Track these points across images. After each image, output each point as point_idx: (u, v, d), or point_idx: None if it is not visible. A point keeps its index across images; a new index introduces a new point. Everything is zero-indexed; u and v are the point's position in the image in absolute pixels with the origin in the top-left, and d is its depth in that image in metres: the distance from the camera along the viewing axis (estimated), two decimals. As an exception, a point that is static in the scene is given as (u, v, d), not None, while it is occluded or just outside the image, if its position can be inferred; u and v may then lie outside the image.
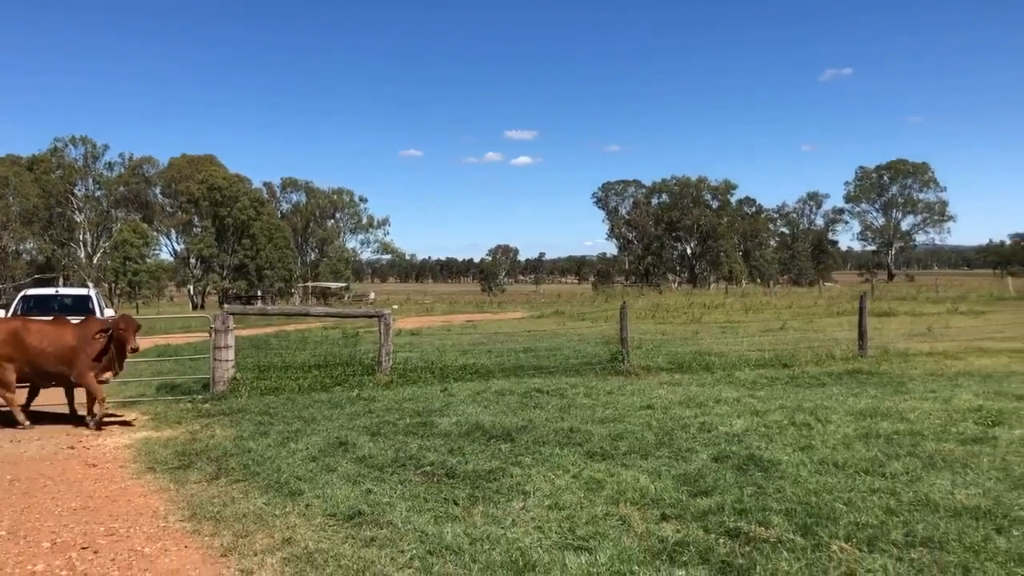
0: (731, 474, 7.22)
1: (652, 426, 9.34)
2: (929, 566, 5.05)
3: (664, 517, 6.10)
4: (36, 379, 10.83)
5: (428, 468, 7.72)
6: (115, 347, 10.51)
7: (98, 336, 10.48)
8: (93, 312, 18.86)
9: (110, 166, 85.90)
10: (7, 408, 10.80)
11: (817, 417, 9.55)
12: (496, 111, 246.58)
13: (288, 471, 7.75)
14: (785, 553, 5.28)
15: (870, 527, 5.71)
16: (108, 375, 10.65)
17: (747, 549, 5.37)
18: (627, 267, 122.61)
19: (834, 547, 5.34)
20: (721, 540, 5.55)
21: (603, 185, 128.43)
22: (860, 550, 5.30)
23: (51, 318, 11.26)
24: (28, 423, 10.60)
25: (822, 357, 15.76)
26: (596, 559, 5.28)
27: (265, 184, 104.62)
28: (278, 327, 30.39)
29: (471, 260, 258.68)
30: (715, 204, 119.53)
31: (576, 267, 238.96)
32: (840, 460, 7.58)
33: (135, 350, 10.56)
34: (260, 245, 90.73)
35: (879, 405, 10.37)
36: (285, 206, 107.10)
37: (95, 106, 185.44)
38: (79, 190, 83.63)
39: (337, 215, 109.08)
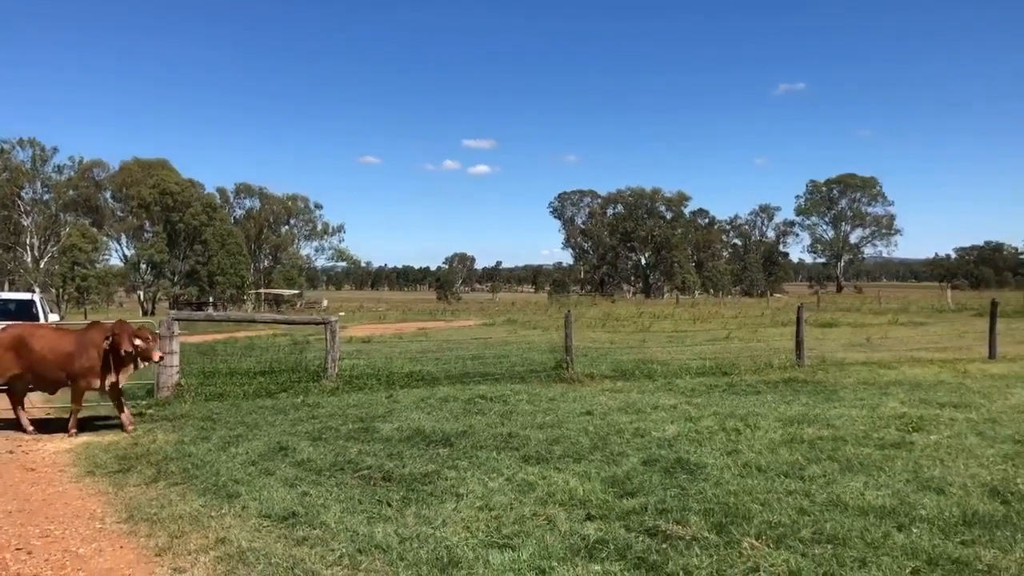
0: (657, 476, 7.48)
1: (588, 431, 9.55)
2: (829, 560, 5.35)
3: (589, 517, 6.34)
4: (37, 385, 10.80)
5: (366, 472, 7.86)
6: (112, 353, 10.41)
7: (102, 343, 10.38)
8: (37, 318, 18.69)
9: (59, 169, 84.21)
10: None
11: (747, 423, 9.86)
12: (455, 119, 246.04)
13: (227, 474, 7.87)
14: (697, 550, 5.55)
15: (781, 526, 6.01)
16: (114, 379, 10.54)
17: (663, 546, 5.63)
18: (582, 276, 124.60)
19: (744, 544, 5.63)
20: (640, 538, 5.80)
21: (559, 195, 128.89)
22: (768, 546, 5.59)
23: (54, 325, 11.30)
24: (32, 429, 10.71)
25: (761, 366, 16.17)
26: (519, 556, 5.51)
27: (218, 189, 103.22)
28: (228, 334, 30.31)
29: (428, 268, 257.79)
30: (669, 215, 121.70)
31: (532, 276, 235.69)
32: (763, 464, 7.88)
33: (149, 358, 10.44)
34: (212, 251, 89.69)
35: (808, 412, 10.71)
36: (238, 212, 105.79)
37: (43, 107, 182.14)
38: (26, 193, 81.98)
39: (291, 221, 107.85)
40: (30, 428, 10.55)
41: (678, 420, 10.24)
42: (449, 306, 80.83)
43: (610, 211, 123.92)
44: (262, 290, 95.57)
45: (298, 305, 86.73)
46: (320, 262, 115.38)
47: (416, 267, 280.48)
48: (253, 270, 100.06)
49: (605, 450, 8.66)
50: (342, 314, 52.71)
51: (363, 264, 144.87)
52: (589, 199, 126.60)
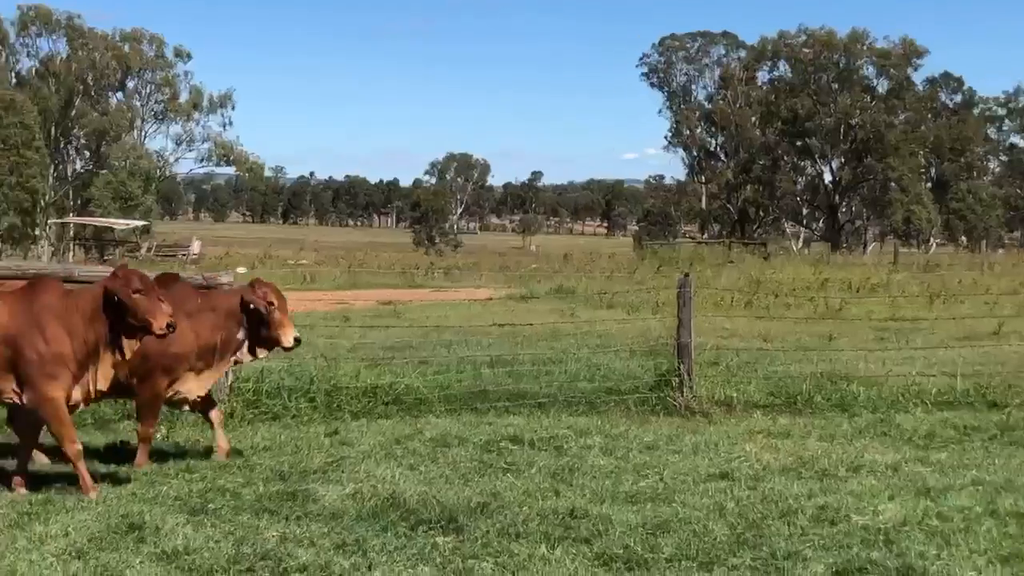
0: (868, 603, 4.82)
1: (726, 511, 5.92)
2: None
3: None
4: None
5: None
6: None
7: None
8: None
9: None
10: None
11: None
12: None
13: None
14: None
15: None
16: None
17: None
18: (704, 206, 73.26)
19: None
20: None
21: (662, 41, 73.00)
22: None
23: None
24: None
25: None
26: None
27: None
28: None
29: (394, 183, 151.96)
30: (884, 84, 67.77)
31: (605, 203, 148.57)
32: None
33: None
34: None
35: None
36: (27, 63, 61.27)
37: None
38: None
39: (131, 83, 62.85)
40: None
41: (903, 494, 6.38)
42: (439, 258, 50.15)
43: (763, 75, 70.69)
44: (73, 218, 56.90)
45: (144, 249, 49.02)
46: (186, 167, 68.13)
47: (371, 181, 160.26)
48: (54, 178, 59.83)
49: (760, 549, 5.26)
50: (241, 270, 27.65)
51: (268, 173, 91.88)
52: (723, 50, 72.20)
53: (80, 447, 5.96)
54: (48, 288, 6.18)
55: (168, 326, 5.96)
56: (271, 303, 6.90)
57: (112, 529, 5.21)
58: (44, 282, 6.35)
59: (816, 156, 69.26)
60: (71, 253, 52.05)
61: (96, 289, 6.07)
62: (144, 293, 5.98)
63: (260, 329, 6.88)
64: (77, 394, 5.98)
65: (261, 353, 7.14)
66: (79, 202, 59.59)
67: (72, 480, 6.12)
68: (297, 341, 6.96)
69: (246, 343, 7.01)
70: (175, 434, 7.92)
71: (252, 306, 6.82)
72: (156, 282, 6.81)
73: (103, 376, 6.02)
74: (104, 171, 58.71)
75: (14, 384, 5.93)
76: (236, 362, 7.23)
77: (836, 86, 67.26)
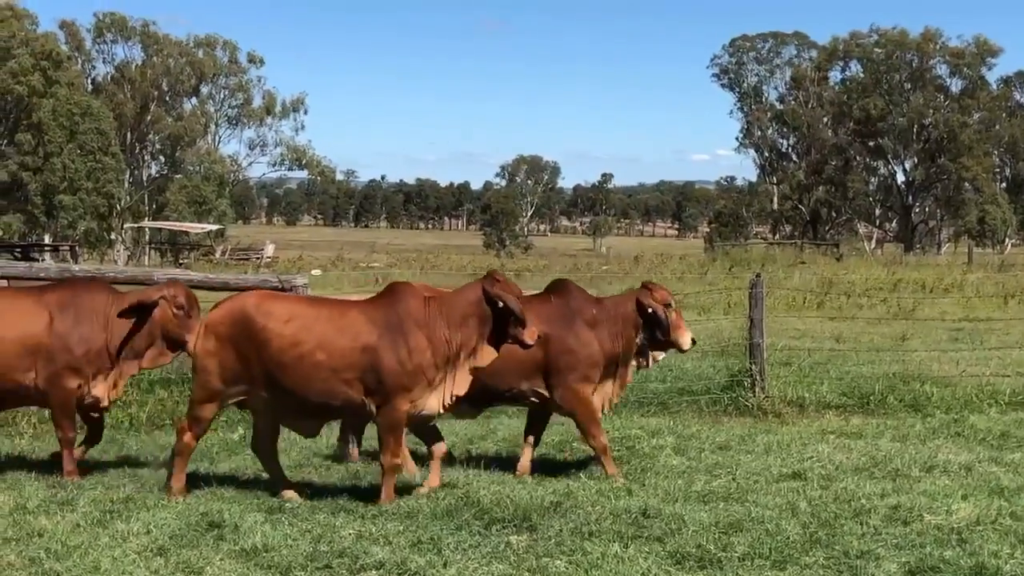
0: (941, 604, 4.64)
1: (799, 511, 5.81)
2: None
3: None
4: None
5: (373, 574, 4.71)
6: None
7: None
8: None
9: None
10: None
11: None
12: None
13: (114, 573, 4.65)
14: None
15: None
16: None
17: None
18: (776, 207, 72.27)
19: None
20: None
21: (733, 43, 72.89)
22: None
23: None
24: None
25: None
26: None
27: (64, 26, 57.18)
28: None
29: (465, 186, 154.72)
30: (956, 84, 66.91)
31: (676, 205, 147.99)
32: None
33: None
34: (52, 144, 48.74)
35: None
36: (103, 69, 60.35)
37: None
38: None
39: (204, 89, 61.87)
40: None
41: (976, 494, 6.22)
42: (510, 260, 50.29)
43: (834, 75, 69.83)
44: (148, 222, 55.50)
45: (218, 253, 48.79)
46: (259, 171, 67.52)
47: (442, 183, 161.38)
48: (130, 182, 58.28)
49: (832, 548, 5.17)
50: (315, 272, 30.21)
51: (339, 177, 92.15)
52: (794, 51, 71.70)
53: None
54: (410, 294, 6.04)
55: (538, 338, 5.84)
56: (668, 305, 6.65)
57: (192, 527, 5.27)
58: (404, 287, 6.19)
59: (889, 156, 68.07)
60: (147, 257, 52.52)
61: (471, 294, 5.88)
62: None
63: (655, 333, 6.61)
64: (434, 402, 5.82)
65: (658, 356, 6.92)
66: (154, 207, 59.20)
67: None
68: (693, 342, 6.80)
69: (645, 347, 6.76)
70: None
71: (650, 310, 6.54)
72: (549, 290, 6.77)
73: (461, 382, 5.85)
74: (179, 176, 59.08)
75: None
76: (638, 367, 6.97)
77: (908, 86, 66.33)
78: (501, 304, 5.66)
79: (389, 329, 5.69)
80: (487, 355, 5.80)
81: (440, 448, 6.04)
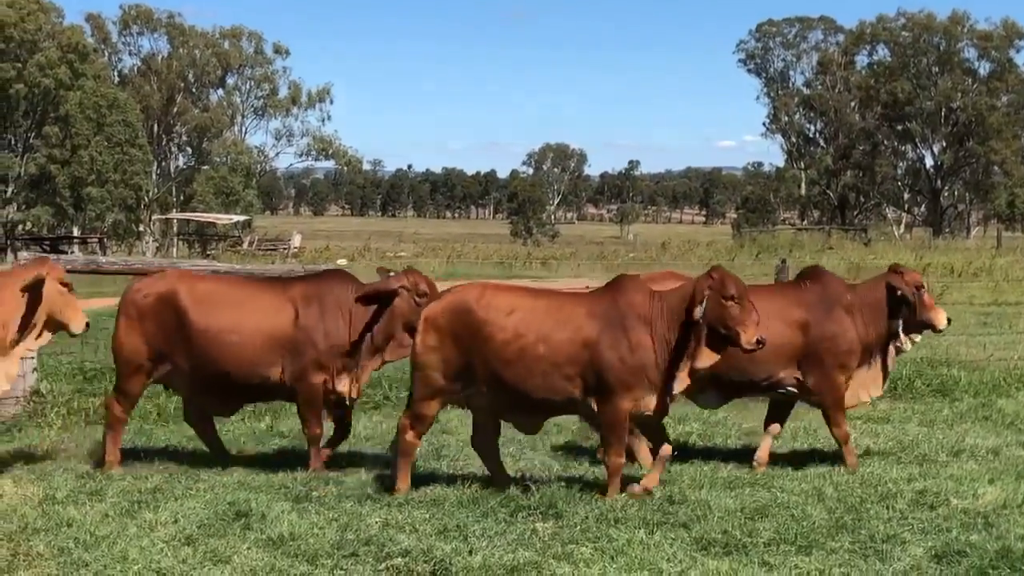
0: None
1: (824, 496, 5.74)
2: None
3: None
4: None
5: (399, 561, 4.60)
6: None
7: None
8: None
9: None
10: None
11: None
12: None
13: (143, 562, 4.59)
14: None
15: None
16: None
17: None
18: (803, 192, 70.89)
19: None
20: None
21: (759, 27, 70.78)
22: None
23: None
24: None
25: None
26: None
27: (90, 18, 56.83)
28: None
29: (491, 175, 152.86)
30: (985, 67, 64.77)
31: (703, 191, 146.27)
32: None
33: None
34: (80, 137, 48.13)
35: None
36: (129, 61, 59.91)
37: None
38: None
39: (230, 80, 61.27)
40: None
41: (1003, 478, 6.12)
42: (538, 249, 49.18)
43: (861, 59, 67.96)
44: (176, 214, 55.98)
45: (246, 243, 47.96)
46: (285, 161, 67.59)
47: (468, 172, 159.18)
48: (157, 174, 57.96)
49: (858, 532, 5.12)
50: (341, 262, 30.01)
51: (366, 167, 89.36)
52: (820, 35, 69.75)
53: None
54: (634, 288, 5.76)
55: (758, 342, 5.43)
56: (919, 287, 6.40)
57: (219, 516, 5.21)
58: (629, 280, 5.90)
59: (917, 140, 65.96)
60: (175, 248, 51.89)
61: (688, 288, 5.59)
62: (737, 301, 5.46)
63: (909, 315, 6.37)
64: (652, 402, 5.59)
65: (915, 338, 6.64)
66: (181, 198, 58.83)
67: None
68: (949, 321, 6.53)
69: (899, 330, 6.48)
70: (280, 424, 7.83)
71: (899, 292, 6.32)
72: (803, 277, 6.57)
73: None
74: (206, 167, 57.86)
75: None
76: (897, 352, 6.66)
77: (936, 69, 64.39)
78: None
79: (610, 324, 5.46)
80: (707, 357, 5.54)
81: (666, 450, 5.74)
